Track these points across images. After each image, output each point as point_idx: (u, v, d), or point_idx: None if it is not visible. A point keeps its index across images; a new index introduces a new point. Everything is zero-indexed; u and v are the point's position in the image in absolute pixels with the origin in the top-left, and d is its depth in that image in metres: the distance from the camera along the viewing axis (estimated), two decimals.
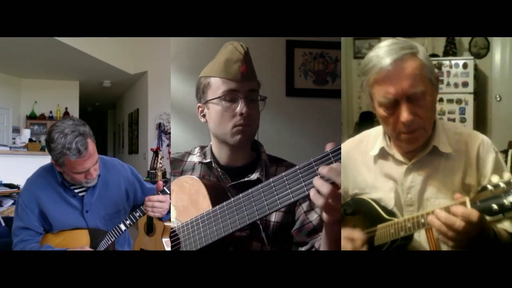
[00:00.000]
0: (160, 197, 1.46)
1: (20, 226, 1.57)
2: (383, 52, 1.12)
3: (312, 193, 0.94)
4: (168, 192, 1.46)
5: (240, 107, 1.24)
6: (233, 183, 1.28)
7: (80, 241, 1.54)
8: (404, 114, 1.11)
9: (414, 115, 1.11)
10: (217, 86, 1.27)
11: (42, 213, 1.56)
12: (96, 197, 1.60)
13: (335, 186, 0.92)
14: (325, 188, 0.92)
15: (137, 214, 1.54)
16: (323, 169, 0.93)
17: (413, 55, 1.11)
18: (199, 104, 1.33)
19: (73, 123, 1.44)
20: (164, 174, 4.00)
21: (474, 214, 0.99)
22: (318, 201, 0.93)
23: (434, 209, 1.06)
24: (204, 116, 1.32)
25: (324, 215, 0.97)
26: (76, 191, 1.58)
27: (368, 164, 1.29)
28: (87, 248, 1.51)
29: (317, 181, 0.93)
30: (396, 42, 1.13)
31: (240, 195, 1.08)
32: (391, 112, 1.14)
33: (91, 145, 1.44)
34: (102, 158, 1.66)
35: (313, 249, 1.23)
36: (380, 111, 1.16)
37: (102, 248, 1.54)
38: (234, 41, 1.29)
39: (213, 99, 1.27)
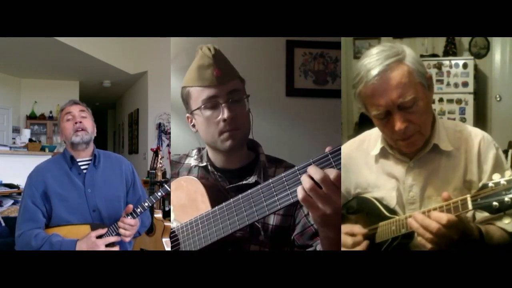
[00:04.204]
0: (132, 221, 1.56)
1: (24, 209, 1.60)
2: (370, 63, 1.12)
3: (298, 189, 0.95)
4: (136, 216, 1.57)
5: (222, 113, 1.21)
6: (230, 185, 1.28)
7: (81, 236, 1.54)
8: (397, 124, 1.11)
9: (408, 122, 1.12)
10: (196, 95, 1.25)
11: (45, 193, 1.60)
12: (99, 177, 1.67)
13: (318, 185, 0.92)
14: (306, 182, 0.93)
15: (138, 210, 1.56)
16: (312, 169, 0.94)
17: (399, 62, 1.11)
18: (187, 115, 1.32)
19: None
20: (164, 174, 4.01)
21: (444, 218, 1.01)
22: (299, 195, 0.94)
23: (436, 206, 1.07)
24: (194, 126, 1.31)
25: (311, 214, 0.97)
26: (80, 164, 1.67)
27: (370, 163, 1.30)
28: (93, 237, 1.52)
29: (303, 177, 0.94)
30: (382, 50, 1.13)
31: (240, 195, 1.08)
32: (385, 122, 1.15)
33: (84, 107, 1.74)
34: (108, 151, 1.82)
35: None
36: (375, 121, 1.17)
37: None
38: (204, 44, 1.26)
39: (195, 110, 1.26)
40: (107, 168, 1.72)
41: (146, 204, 1.56)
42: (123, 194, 1.73)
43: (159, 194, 1.53)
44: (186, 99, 1.29)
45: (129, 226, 1.55)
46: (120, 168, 1.76)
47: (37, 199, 1.60)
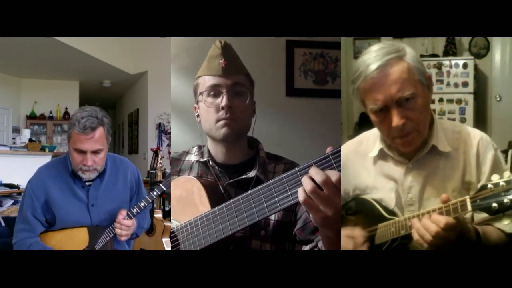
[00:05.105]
0: (129, 222, 1.55)
1: (23, 219, 1.56)
2: (369, 58, 1.12)
3: (299, 191, 0.94)
4: (132, 216, 1.57)
5: (222, 100, 1.25)
6: (230, 181, 1.28)
7: (79, 239, 1.54)
8: (395, 119, 1.11)
9: (405, 119, 1.11)
10: (203, 84, 1.30)
11: (47, 202, 1.57)
12: (103, 191, 1.61)
13: (319, 186, 0.92)
14: (307, 184, 0.92)
15: (134, 210, 1.56)
16: (313, 170, 0.93)
17: (399, 59, 1.11)
18: (194, 105, 1.36)
19: (98, 109, 1.53)
20: (164, 174, 4.01)
21: (442, 221, 1.02)
22: (300, 196, 0.94)
23: (435, 207, 1.07)
24: (198, 116, 1.34)
25: (311, 215, 0.97)
26: (85, 181, 1.60)
27: (368, 165, 1.29)
28: None
29: (304, 179, 0.94)
30: (382, 47, 1.13)
31: (239, 196, 1.08)
32: (382, 117, 1.14)
33: (99, 133, 1.48)
34: (113, 156, 1.72)
35: (318, 247, 1.22)
36: (372, 117, 1.17)
37: (101, 244, 1.55)
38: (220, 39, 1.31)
39: (199, 96, 1.30)
40: (112, 179, 1.65)
41: (142, 204, 1.57)
42: (126, 205, 1.68)
43: (155, 193, 1.54)
44: (194, 89, 1.34)
45: (125, 227, 1.54)
46: (125, 176, 1.69)
47: (37, 210, 1.56)
